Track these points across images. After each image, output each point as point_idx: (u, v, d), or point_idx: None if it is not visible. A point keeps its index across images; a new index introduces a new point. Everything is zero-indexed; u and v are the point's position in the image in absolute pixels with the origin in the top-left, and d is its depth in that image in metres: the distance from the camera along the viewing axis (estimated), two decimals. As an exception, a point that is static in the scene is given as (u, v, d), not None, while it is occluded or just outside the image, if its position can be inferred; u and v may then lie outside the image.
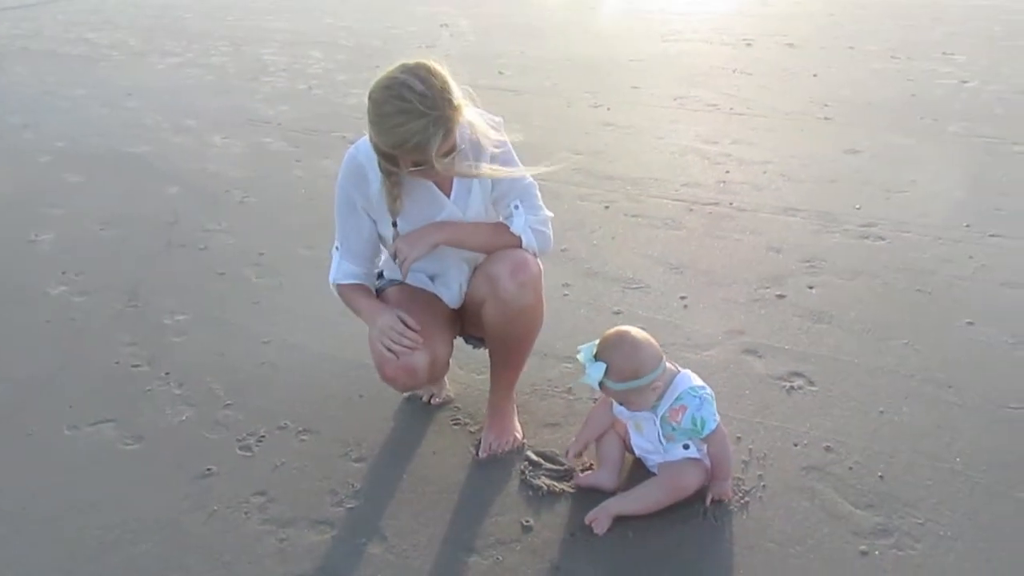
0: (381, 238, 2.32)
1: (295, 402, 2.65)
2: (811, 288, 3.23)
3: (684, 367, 2.14)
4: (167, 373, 2.84)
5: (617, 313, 3.08)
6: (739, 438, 2.36)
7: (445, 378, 2.64)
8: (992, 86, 6.18)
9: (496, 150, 2.18)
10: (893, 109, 5.65)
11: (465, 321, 2.47)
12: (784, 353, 2.80)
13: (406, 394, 2.63)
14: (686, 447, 2.08)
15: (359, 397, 2.66)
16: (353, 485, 2.27)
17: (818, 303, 3.12)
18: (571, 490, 2.21)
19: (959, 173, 4.43)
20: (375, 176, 2.17)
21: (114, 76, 7.64)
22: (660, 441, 2.06)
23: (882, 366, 2.71)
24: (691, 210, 4.04)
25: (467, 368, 2.75)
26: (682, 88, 6.36)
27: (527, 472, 2.28)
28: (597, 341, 2.04)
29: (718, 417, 2.04)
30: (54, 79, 7.53)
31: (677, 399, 2.03)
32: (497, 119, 2.22)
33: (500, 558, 2.01)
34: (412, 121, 1.92)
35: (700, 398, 2.02)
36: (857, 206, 3.99)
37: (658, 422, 2.04)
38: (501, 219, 2.29)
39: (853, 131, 5.18)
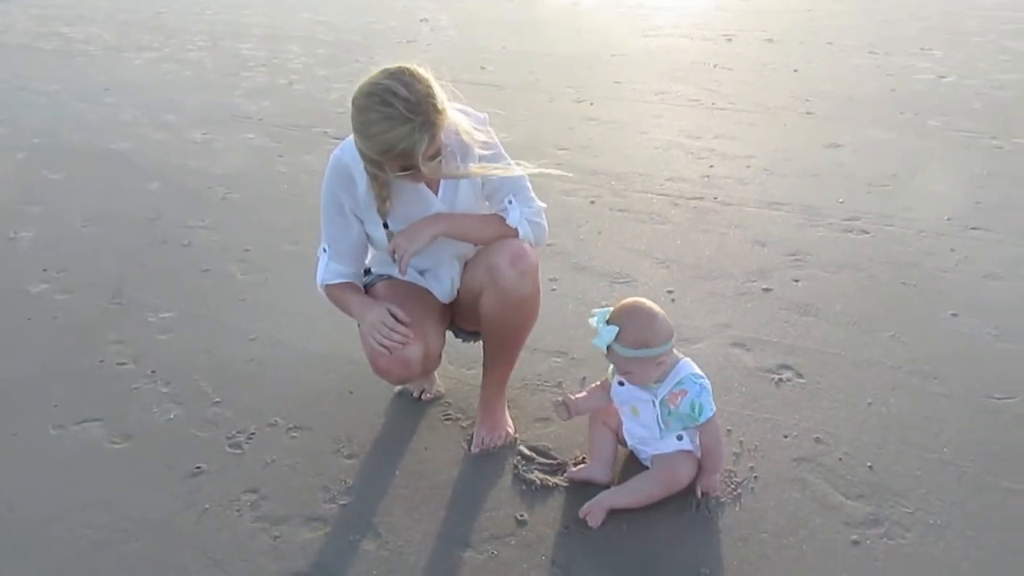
0: (370, 238, 2.31)
1: (285, 399, 2.63)
2: (797, 281, 3.26)
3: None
4: (153, 371, 2.82)
5: (605, 307, 3.08)
6: (730, 430, 2.38)
7: (435, 373, 2.64)
8: (969, 81, 6.25)
9: (485, 152, 2.18)
10: (873, 104, 5.70)
11: (456, 315, 2.47)
12: (772, 346, 2.82)
13: (397, 389, 2.63)
14: (680, 438, 2.08)
15: (349, 393, 2.65)
16: (345, 481, 2.26)
17: (804, 296, 3.14)
18: (564, 484, 2.22)
19: (939, 167, 4.48)
20: (361, 177, 2.16)
21: (90, 71, 7.55)
22: (659, 424, 2.06)
23: (869, 358, 2.73)
24: (676, 204, 4.05)
25: (457, 363, 2.74)
26: (664, 83, 6.38)
27: (520, 467, 2.28)
28: (611, 308, 2.04)
29: (715, 407, 2.05)
30: (28, 74, 7.43)
31: (679, 383, 2.04)
32: (482, 115, 2.22)
33: (495, 552, 2.01)
34: (397, 127, 1.92)
35: (701, 385, 2.04)
36: (840, 200, 4.03)
37: (657, 404, 2.04)
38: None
39: (834, 126, 5.22)
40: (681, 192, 4.20)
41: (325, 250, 2.31)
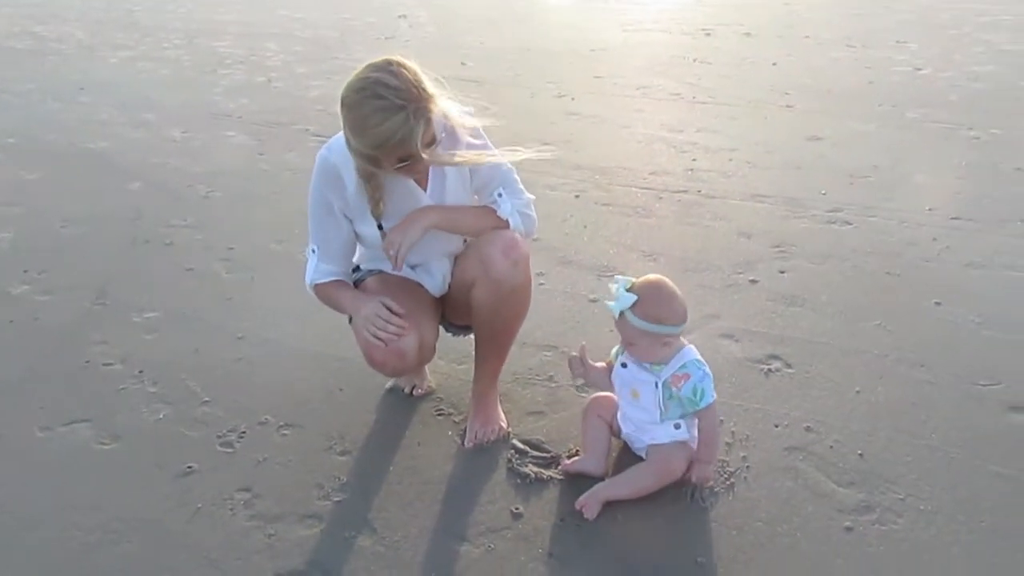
0: (360, 237, 2.31)
1: (275, 397, 2.61)
2: (783, 272, 3.28)
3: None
4: (140, 371, 2.79)
5: (593, 301, 3.10)
6: (721, 420, 2.37)
7: (426, 369, 2.63)
8: (945, 73, 6.32)
9: (474, 140, 2.19)
10: (852, 96, 5.75)
11: (446, 309, 2.47)
12: (760, 337, 2.84)
13: (388, 385, 2.62)
14: (677, 427, 2.09)
15: (340, 390, 2.64)
16: (339, 478, 2.25)
17: (790, 287, 3.17)
18: (559, 477, 2.22)
19: (919, 158, 4.53)
20: (351, 177, 2.15)
21: (64, 70, 7.46)
22: (659, 407, 2.07)
23: (856, 347, 2.76)
24: (661, 198, 4.07)
25: (447, 358, 2.74)
26: (644, 78, 6.41)
27: (514, 460, 2.28)
28: (634, 279, 2.06)
29: (715, 395, 2.06)
30: (1, 74, 7.32)
31: (682, 367, 2.05)
32: (467, 109, 2.22)
33: (492, 546, 2.01)
34: (392, 117, 1.91)
35: (704, 371, 2.05)
36: (823, 192, 4.06)
37: (660, 386, 2.05)
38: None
39: (815, 118, 5.26)
40: (665, 185, 4.21)
41: (314, 251, 2.30)
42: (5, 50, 8.44)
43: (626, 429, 2.21)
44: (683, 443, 2.13)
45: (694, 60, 6.95)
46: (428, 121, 1.98)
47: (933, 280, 3.19)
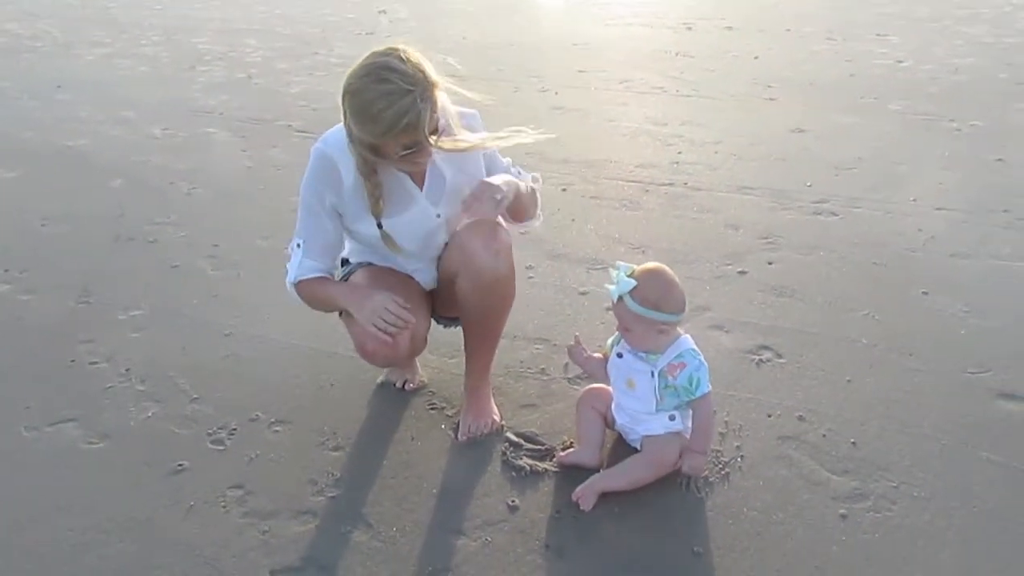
0: (353, 234, 2.29)
1: (265, 393, 2.59)
2: (771, 264, 3.29)
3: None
4: (127, 369, 2.76)
5: (583, 293, 3.10)
6: (714, 411, 2.38)
7: (417, 363, 2.62)
8: (925, 66, 6.37)
9: (473, 129, 2.20)
10: (834, 89, 5.78)
11: (435, 301, 2.46)
12: (751, 327, 2.84)
13: (379, 380, 2.60)
14: (672, 418, 2.09)
15: (331, 385, 2.62)
16: (333, 474, 2.24)
17: (779, 278, 3.18)
18: (554, 469, 2.21)
19: (902, 150, 4.56)
20: (348, 172, 2.13)
21: (40, 68, 7.37)
22: (655, 396, 2.06)
23: (846, 337, 2.77)
24: (647, 191, 4.07)
25: (438, 352, 2.72)
26: (627, 71, 6.41)
27: (508, 453, 2.28)
28: (635, 265, 2.06)
29: (711, 386, 2.06)
30: (-24, 72, 7.23)
31: (678, 356, 2.05)
32: (472, 111, 2.22)
33: (489, 539, 2.00)
34: (399, 101, 1.90)
35: (700, 361, 2.06)
36: (808, 183, 4.08)
37: (656, 375, 2.05)
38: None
39: (798, 111, 5.28)
40: (652, 178, 4.22)
41: (299, 246, 2.24)
42: (-21, 48, 8.33)
43: (620, 420, 2.21)
44: (678, 434, 2.13)
45: (676, 54, 6.97)
46: (434, 106, 1.97)
47: (919, 270, 3.21)
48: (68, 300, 3.23)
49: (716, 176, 4.22)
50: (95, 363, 2.80)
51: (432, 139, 2.00)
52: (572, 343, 2.26)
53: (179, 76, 6.91)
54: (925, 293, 3.04)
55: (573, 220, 3.77)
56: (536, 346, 2.77)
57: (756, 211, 3.79)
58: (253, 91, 6.35)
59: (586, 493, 2.07)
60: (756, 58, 6.73)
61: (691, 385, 2.04)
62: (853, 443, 2.27)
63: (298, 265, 2.24)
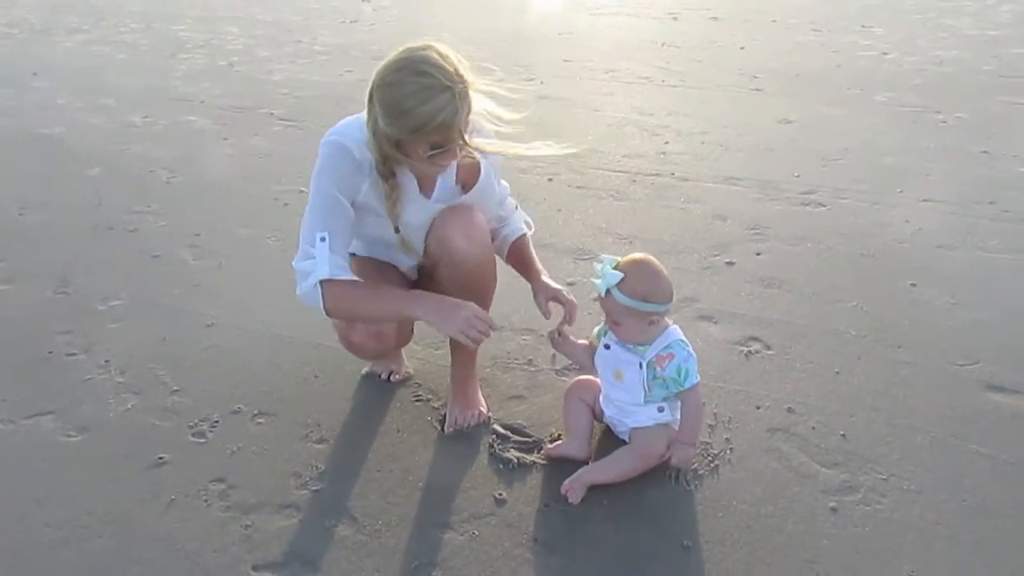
0: (362, 234, 2.22)
1: (247, 385, 2.54)
2: (759, 255, 3.27)
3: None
4: (106, 361, 2.70)
5: (571, 284, 3.06)
6: (703, 403, 2.36)
7: (403, 353, 2.58)
8: (911, 58, 6.37)
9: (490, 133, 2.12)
10: (820, 80, 5.78)
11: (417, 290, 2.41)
12: (739, 318, 2.83)
13: (363, 371, 2.56)
14: (661, 410, 2.07)
15: (315, 377, 2.58)
16: (317, 467, 2.20)
17: (767, 269, 3.16)
18: (541, 462, 2.19)
19: (888, 141, 4.56)
20: (368, 170, 2.04)
21: (16, 55, 7.25)
22: (643, 387, 2.04)
23: (834, 328, 2.76)
24: (634, 181, 4.05)
25: (424, 343, 2.69)
26: (613, 61, 6.38)
27: (495, 445, 2.25)
28: (618, 257, 2.03)
29: (699, 377, 2.04)
30: (-49, 58, 7.10)
31: (667, 347, 2.03)
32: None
33: (476, 533, 1.97)
34: (436, 96, 1.82)
35: (688, 352, 2.03)
36: (796, 174, 4.07)
37: (644, 366, 2.02)
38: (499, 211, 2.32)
39: (784, 101, 5.27)
40: (638, 168, 4.19)
41: (323, 239, 2.02)
42: (-45, 33, 8.18)
43: (609, 412, 2.18)
44: (666, 426, 2.10)
45: (662, 44, 6.94)
46: (470, 106, 1.88)
47: (907, 261, 3.20)
48: (46, 290, 3.17)
49: (703, 166, 4.20)
50: (73, 354, 2.75)
51: (466, 138, 1.92)
52: (554, 334, 2.21)
53: (159, 64, 6.81)
54: (913, 285, 3.03)
55: (559, 210, 3.74)
56: (523, 337, 2.74)
57: (743, 202, 3.77)
58: (234, 79, 6.27)
59: (574, 486, 2.04)
60: (742, 48, 6.72)
61: (679, 376, 2.01)
62: (843, 435, 2.26)
63: (328, 260, 2.01)
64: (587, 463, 2.13)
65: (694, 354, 2.05)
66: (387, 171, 2.02)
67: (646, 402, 2.07)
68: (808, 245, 3.34)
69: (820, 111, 5.09)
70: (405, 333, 2.25)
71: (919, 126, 4.81)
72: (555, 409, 2.33)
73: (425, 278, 2.34)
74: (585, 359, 2.19)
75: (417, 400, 2.47)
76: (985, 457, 2.17)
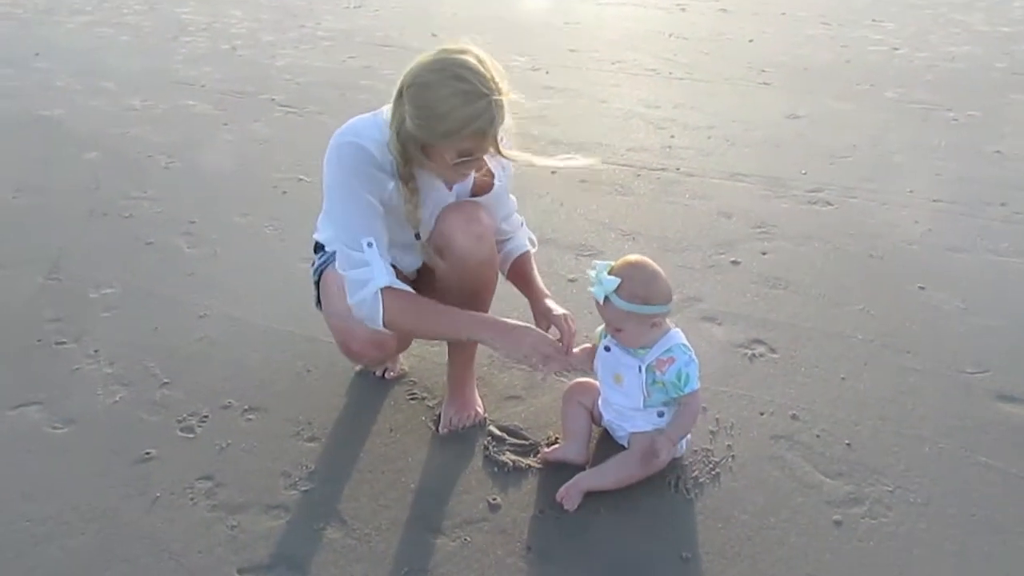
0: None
1: (239, 379, 2.49)
2: (764, 254, 3.21)
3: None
4: (96, 351, 2.64)
5: (572, 280, 3.01)
6: (705, 408, 2.30)
7: (399, 351, 2.52)
8: (922, 53, 6.28)
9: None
10: (829, 75, 5.69)
11: (417, 288, 2.35)
12: (743, 320, 2.76)
13: (357, 368, 2.51)
14: (660, 415, 2.01)
15: (308, 372, 2.52)
16: (307, 466, 2.14)
17: (773, 269, 3.09)
18: (538, 466, 2.13)
19: (898, 139, 4.48)
20: (391, 174, 1.97)
21: (19, 35, 7.18)
22: (642, 392, 1.98)
23: (841, 332, 2.69)
24: (639, 175, 3.98)
25: (420, 340, 2.62)
26: (620, 52, 6.29)
27: (491, 448, 2.19)
28: (611, 262, 1.96)
29: (700, 383, 1.98)
30: (-48, 37, 7.03)
31: (667, 351, 1.96)
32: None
33: (468, 539, 1.92)
34: (472, 103, 1.76)
35: (690, 356, 1.97)
36: (803, 171, 3.99)
37: (643, 370, 1.96)
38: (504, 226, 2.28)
39: (793, 96, 5.19)
40: (643, 163, 4.12)
41: (370, 245, 1.93)
42: (-44, 11, 8.11)
43: (607, 416, 2.12)
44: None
45: (670, 35, 6.85)
46: (503, 117, 1.82)
47: (916, 263, 3.14)
48: (37, 276, 3.11)
49: (709, 161, 4.13)
50: (62, 343, 2.69)
51: (500, 148, 1.86)
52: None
53: (161, 46, 6.73)
54: (922, 288, 2.96)
55: (562, 204, 3.67)
56: (522, 335, 2.67)
57: (749, 199, 3.70)
58: (236, 63, 6.20)
59: (570, 492, 1.98)
60: (750, 41, 6.63)
61: (679, 381, 1.95)
62: (848, 444, 2.19)
63: (384, 268, 1.94)
64: (584, 468, 2.07)
65: (696, 359, 1.99)
66: (407, 174, 1.95)
67: (645, 407, 2.01)
68: (815, 245, 3.27)
69: (829, 106, 5.01)
70: (405, 341, 2.18)
71: (930, 123, 4.73)
72: (553, 411, 2.27)
73: (425, 278, 2.28)
74: (587, 365, 2.12)
75: (412, 399, 2.41)
76: (995, 470, 2.11)
